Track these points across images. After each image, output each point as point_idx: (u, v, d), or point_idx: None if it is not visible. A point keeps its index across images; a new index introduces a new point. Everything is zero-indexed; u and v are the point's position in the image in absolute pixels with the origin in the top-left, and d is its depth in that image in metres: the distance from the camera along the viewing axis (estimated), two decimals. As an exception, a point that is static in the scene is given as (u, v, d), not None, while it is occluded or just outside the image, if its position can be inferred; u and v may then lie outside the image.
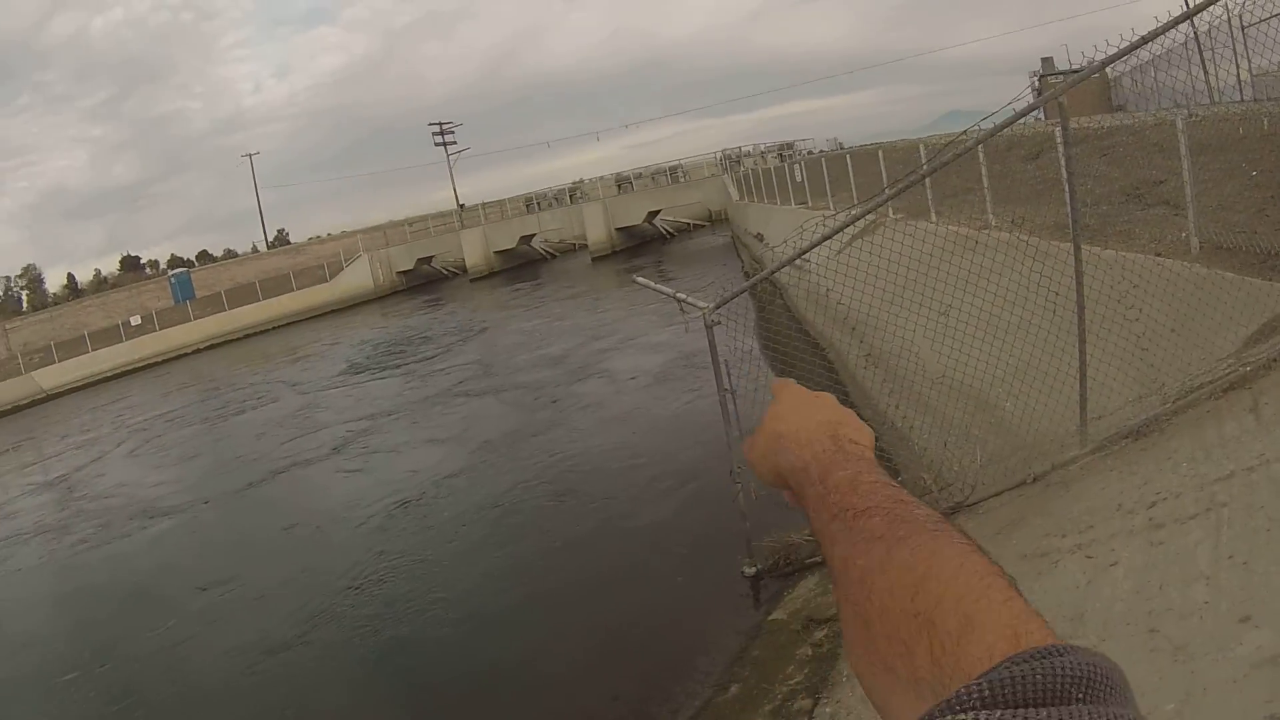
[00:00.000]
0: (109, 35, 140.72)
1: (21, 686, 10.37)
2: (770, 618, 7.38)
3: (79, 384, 46.14)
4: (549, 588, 9.39)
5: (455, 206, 66.53)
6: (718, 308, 7.43)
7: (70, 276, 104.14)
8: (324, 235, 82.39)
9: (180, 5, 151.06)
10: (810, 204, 18.98)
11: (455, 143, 68.46)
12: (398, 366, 25.62)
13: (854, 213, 7.61)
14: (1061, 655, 0.52)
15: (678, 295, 7.62)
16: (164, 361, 46.70)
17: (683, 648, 7.67)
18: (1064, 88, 6.22)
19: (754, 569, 8.00)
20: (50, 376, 47.71)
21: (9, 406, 44.65)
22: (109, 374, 46.42)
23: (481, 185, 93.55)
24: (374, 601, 10.00)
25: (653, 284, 8.39)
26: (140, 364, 47.20)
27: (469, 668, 8.21)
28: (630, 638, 8.12)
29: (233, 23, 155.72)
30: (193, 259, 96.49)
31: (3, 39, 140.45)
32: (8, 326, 65.00)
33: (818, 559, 7.51)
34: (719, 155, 51.52)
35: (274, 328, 48.95)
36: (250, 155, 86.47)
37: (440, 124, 68.28)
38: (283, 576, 11.46)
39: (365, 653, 8.96)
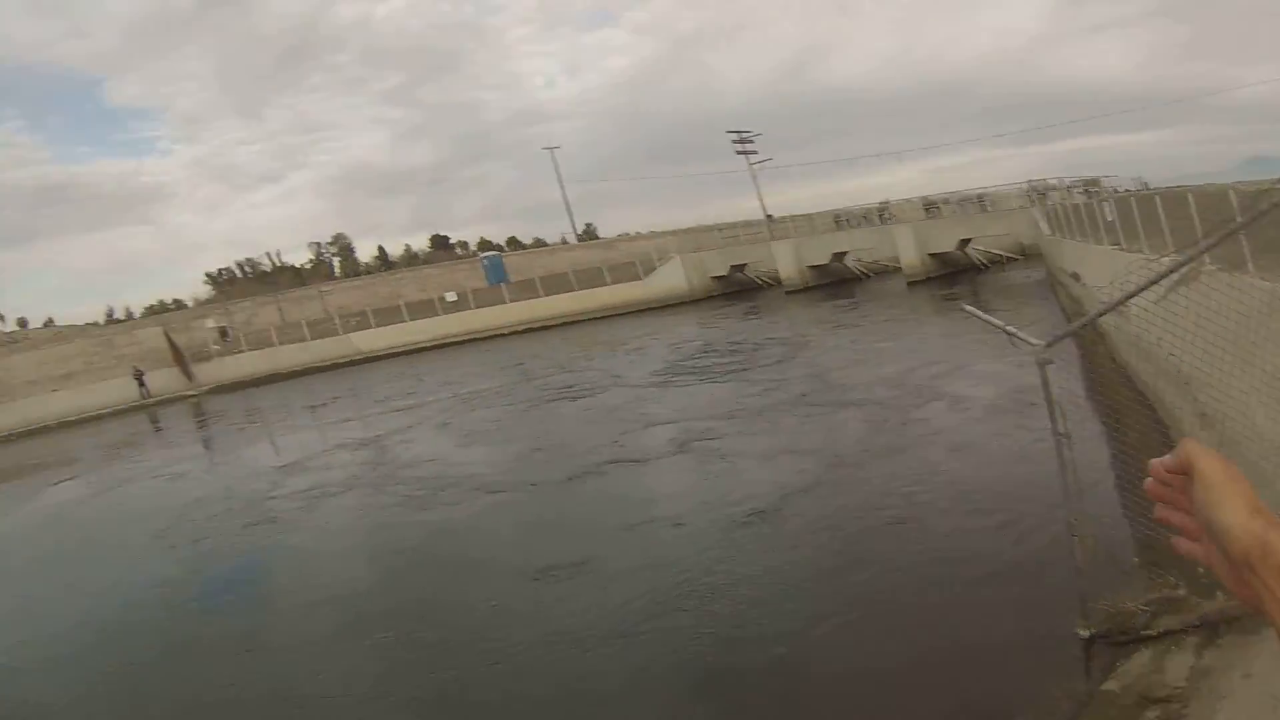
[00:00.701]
0: (393, 22, 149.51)
1: (338, 639, 10.65)
2: (1102, 687, 6.87)
3: (394, 350, 49.41)
4: (881, 610, 9.07)
5: (762, 216, 66.96)
6: (1050, 346, 7.14)
7: (381, 249, 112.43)
8: (632, 233, 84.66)
9: None
10: (1124, 245, 18.07)
11: (755, 152, 68.59)
12: (726, 371, 25.48)
13: (1177, 259, 7.09)
14: None
15: (1008, 329, 7.31)
16: (477, 339, 48.77)
17: (1006, 700, 7.22)
18: None
19: (1088, 632, 7.53)
20: (366, 340, 51.65)
21: (328, 363, 49.11)
22: (425, 344, 49.23)
23: (780, 197, 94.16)
24: (722, 602, 9.75)
25: (982, 314, 8.02)
26: (454, 339, 49.70)
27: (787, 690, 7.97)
28: (951, 677, 7.71)
29: (517, 18, 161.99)
30: (502, 244, 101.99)
31: (294, 20, 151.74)
32: (323, 289, 71.01)
33: (1154, 631, 7.15)
34: (1026, 186, 49.75)
35: (587, 319, 49.82)
36: (551, 149, 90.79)
37: (739, 132, 68.61)
38: (618, 571, 11.23)
39: (705, 650, 8.77)
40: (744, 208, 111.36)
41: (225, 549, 15.83)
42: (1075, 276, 25.14)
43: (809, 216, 57.64)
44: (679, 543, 11.89)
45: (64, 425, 45.28)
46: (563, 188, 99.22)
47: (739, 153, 68.50)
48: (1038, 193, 48.81)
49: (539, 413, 24.49)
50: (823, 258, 48.33)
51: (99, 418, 45.28)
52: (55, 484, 27.61)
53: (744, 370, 25.19)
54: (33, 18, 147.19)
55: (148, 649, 11.29)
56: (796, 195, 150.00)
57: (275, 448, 27.46)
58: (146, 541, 17.31)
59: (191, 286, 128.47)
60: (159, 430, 38.53)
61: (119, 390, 48.58)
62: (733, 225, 64.96)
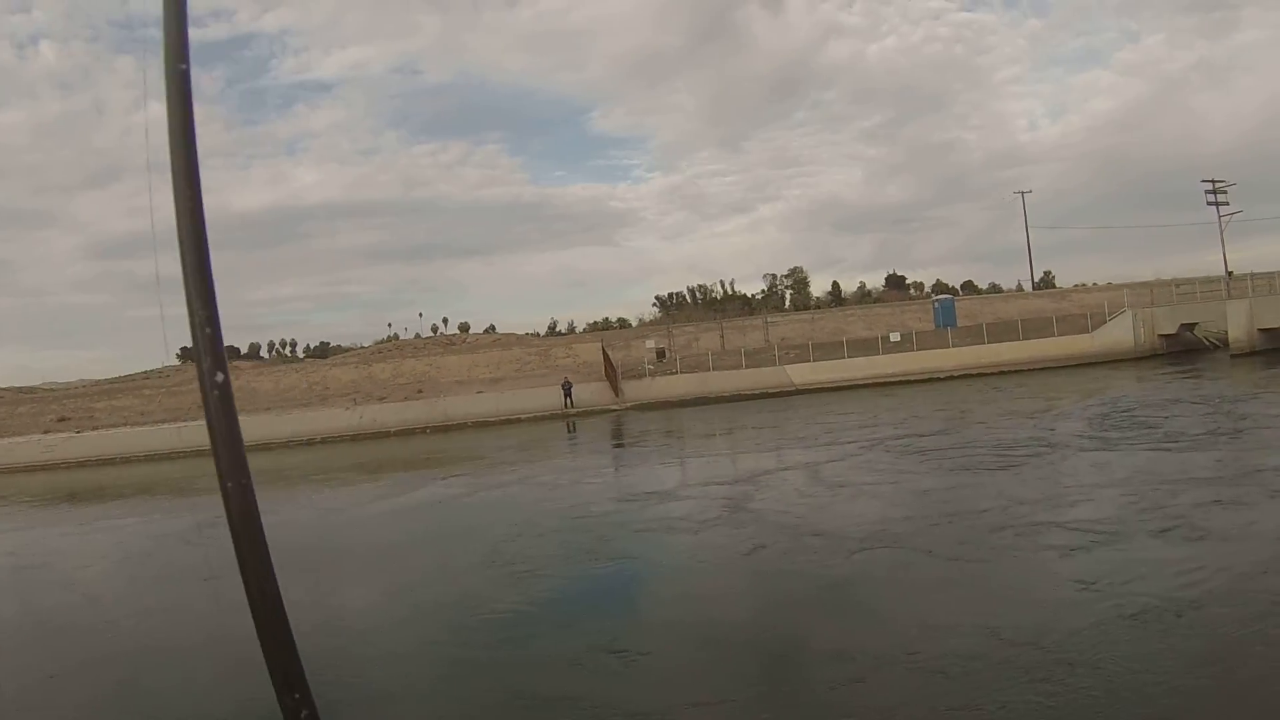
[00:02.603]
0: (884, 62, 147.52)
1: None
2: None
3: (826, 385, 47.67)
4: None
5: (1224, 272, 60.44)
6: None
7: (835, 284, 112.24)
8: (1089, 284, 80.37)
9: (952, 38, 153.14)
10: None
11: (1227, 203, 61.99)
12: (1172, 437, 21.92)
13: None
14: None
15: None
16: (911, 381, 46.45)
17: None
18: None
19: None
20: (800, 373, 50.44)
21: (757, 392, 48.32)
22: (859, 381, 47.36)
23: (1248, 253, 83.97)
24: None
25: None
26: (889, 379, 47.41)
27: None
28: None
29: (1006, 59, 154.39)
30: (957, 287, 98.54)
31: (785, 58, 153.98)
32: (769, 320, 71.47)
33: None
34: None
35: (1027, 369, 46.76)
36: (1022, 193, 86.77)
37: (1213, 181, 62.09)
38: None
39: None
40: (1205, 262, 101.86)
41: (541, 569, 15.37)
42: None
43: (1269, 275, 50.60)
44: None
45: (481, 425, 48.20)
46: (1028, 234, 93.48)
47: (1210, 204, 61.69)
48: None
49: (958, 462, 21.67)
50: (1276, 320, 42.84)
51: (517, 422, 47.65)
52: (444, 478, 29.14)
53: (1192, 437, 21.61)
54: (528, 52, 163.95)
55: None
56: (1266, 251, 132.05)
57: (663, 471, 26.87)
58: (473, 551, 17.24)
59: (639, 307, 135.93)
60: (570, 439, 39.72)
61: (544, 398, 50.78)
62: (1191, 280, 59.56)
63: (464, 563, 16.29)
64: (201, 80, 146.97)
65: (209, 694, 10.62)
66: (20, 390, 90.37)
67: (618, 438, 38.24)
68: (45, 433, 58.84)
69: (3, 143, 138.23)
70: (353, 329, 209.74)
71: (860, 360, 50.66)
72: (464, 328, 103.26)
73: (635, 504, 20.89)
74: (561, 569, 15.30)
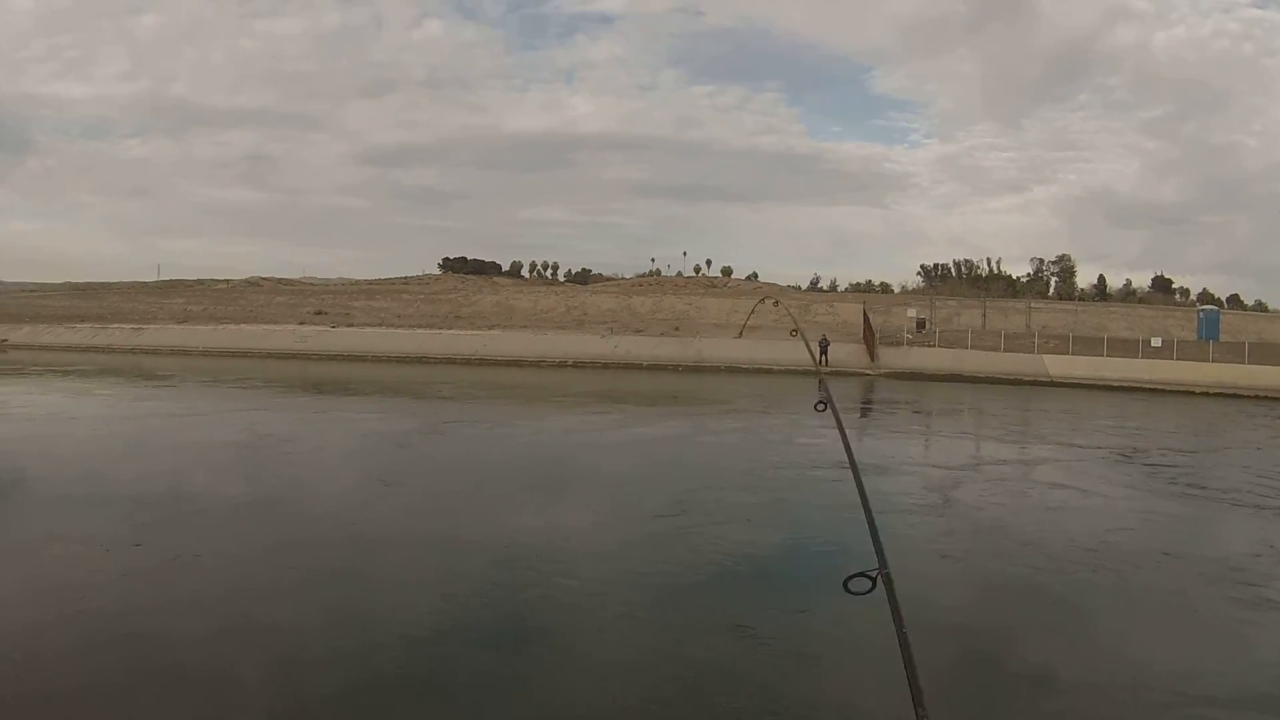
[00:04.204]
0: (1169, 52, 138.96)
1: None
2: None
3: (1081, 381, 46.45)
4: None
5: None
6: None
7: (1101, 278, 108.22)
8: None
9: (1241, 34, 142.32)
10: None
11: None
12: None
13: None
14: None
15: None
16: (1164, 391, 44.62)
17: None
18: None
19: None
20: (1058, 365, 49.37)
21: (1010, 378, 47.49)
22: (1114, 383, 46.07)
23: None
24: None
25: None
26: (1144, 384, 45.80)
27: None
28: None
29: None
30: (1223, 299, 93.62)
31: (1071, 36, 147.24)
32: (1032, 305, 70.86)
33: None
34: None
35: None
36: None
37: None
38: None
39: None
40: None
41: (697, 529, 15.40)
42: None
43: None
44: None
45: (733, 370, 49.83)
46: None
47: None
48: None
49: (1208, 490, 20.01)
50: None
51: (769, 372, 48.70)
52: (677, 418, 31.70)
53: None
54: (810, 5, 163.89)
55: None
56: None
57: (890, 442, 27.23)
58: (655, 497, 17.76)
59: (902, 274, 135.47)
60: (817, 398, 40.32)
61: (797, 351, 51.21)
62: None
63: (640, 510, 16.79)
64: (485, 2, 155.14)
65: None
66: (280, 281, 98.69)
67: (861, 402, 38.95)
68: (300, 323, 64.57)
69: (281, 50, 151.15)
70: (613, 259, 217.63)
71: (1118, 361, 49.21)
72: (726, 272, 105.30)
73: (846, 472, 20.85)
74: (719, 535, 14.79)
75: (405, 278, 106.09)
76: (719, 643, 10.17)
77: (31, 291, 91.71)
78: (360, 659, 9.58)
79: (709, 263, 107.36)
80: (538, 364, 52.07)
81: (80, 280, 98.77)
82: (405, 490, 18.54)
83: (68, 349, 57.42)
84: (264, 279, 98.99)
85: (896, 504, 17.36)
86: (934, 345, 54.24)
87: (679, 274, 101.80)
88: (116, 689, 8.91)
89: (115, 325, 64.18)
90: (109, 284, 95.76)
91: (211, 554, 13.27)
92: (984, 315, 62.53)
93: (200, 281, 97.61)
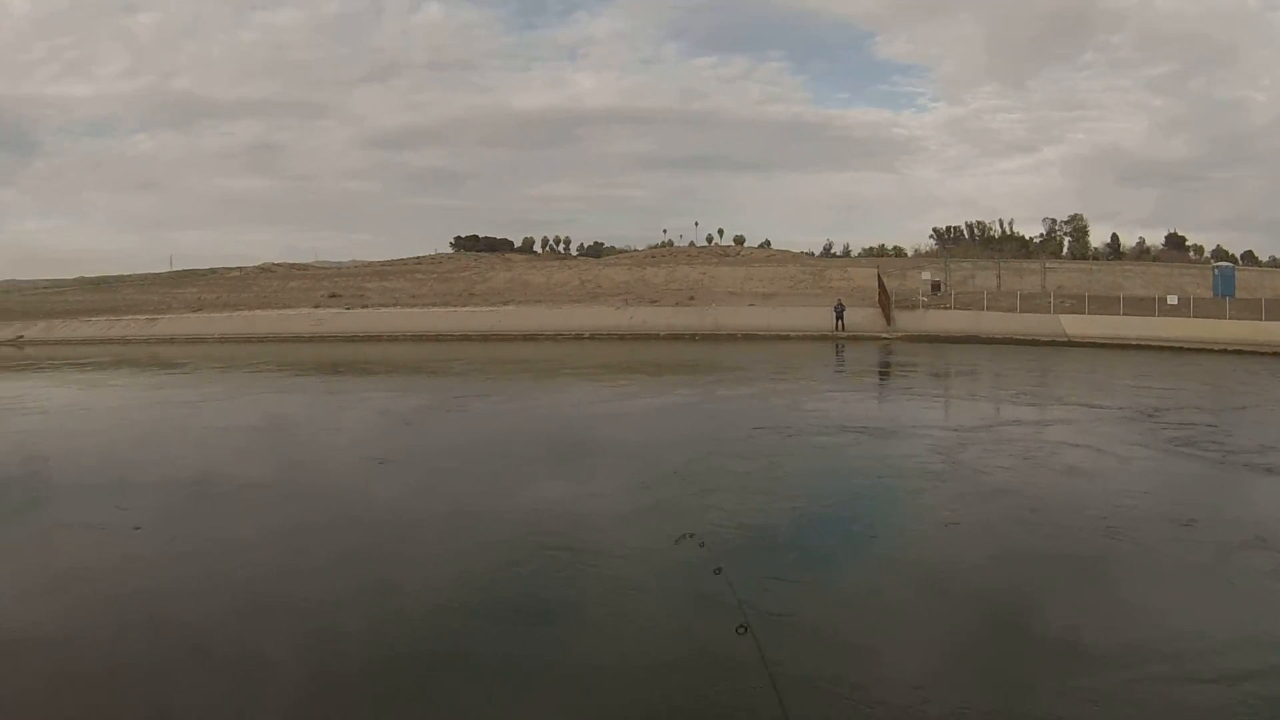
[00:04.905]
0: (1172, 7, 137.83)
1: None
2: None
3: (1098, 340, 46.16)
4: None
5: None
6: None
7: (1114, 237, 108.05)
8: None
9: None
10: None
11: None
12: None
13: None
14: None
15: None
16: (1182, 349, 43.78)
17: None
18: None
19: None
20: (1075, 324, 49.25)
21: (1028, 338, 47.46)
22: (1131, 342, 45.47)
23: None
24: None
25: None
26: (1161, 343, 45.12)
27: None
28: None
29: None
30: (1237, 256, 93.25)
31: None
32: (1047, 265, 70.70)
33: None
34: None
35: None
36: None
37: None
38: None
39: None
40: None
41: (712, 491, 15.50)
42: None
43: None
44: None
45: (750, 338, 49.80)
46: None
47: None
48: None
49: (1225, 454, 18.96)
50: None
51: (786, 338, 48.93)
52: (693, 385, 31.78)
53: None
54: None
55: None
56: None
57: (901, 405, 27.42)
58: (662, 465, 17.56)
59: (915, 238, 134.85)
60: (831, 361, 40.99)
61: (814, 318, 51.88)
62: None
63: (649, 476, 16.78)
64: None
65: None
66: (293, 266, 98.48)
67: (877, 366, 39.05)
68: (315, 307, 64.95)
69: (282, 40, 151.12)
70: (625, 232, 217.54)
71: (1135, 320, 49.03)
72: (739, 240, 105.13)
73: (849, 436, 20.43)
74: (733, 503, 14.69)
75: (418, 258, 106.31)
76: (728, 617, 9.81)
77: (45, 288, 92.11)
78: (388, 634, 9.70)
79: (721, 232, 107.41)
80: (554, 337, 52.30)
81: (93, 275, 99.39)
82: (422, 466, 18.69)
83: (84, 342, 57.64)
84: (277, 265, 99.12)
85: (904, 468, 17.29)
86: (950, 307, 54.08)
87: (691, 244, 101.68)
88: (149, 668, 9.09)
89: (130, 316, 64.67)
90: (122, 276, 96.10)
91: (234, 536, 13.39)
92: (998, 276, 62.27)
93: (213, 270, 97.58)
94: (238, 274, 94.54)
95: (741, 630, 9.26)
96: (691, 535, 8.82)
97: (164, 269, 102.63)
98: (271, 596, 10.91)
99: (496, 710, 8.19)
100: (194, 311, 66.91)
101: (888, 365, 39.29)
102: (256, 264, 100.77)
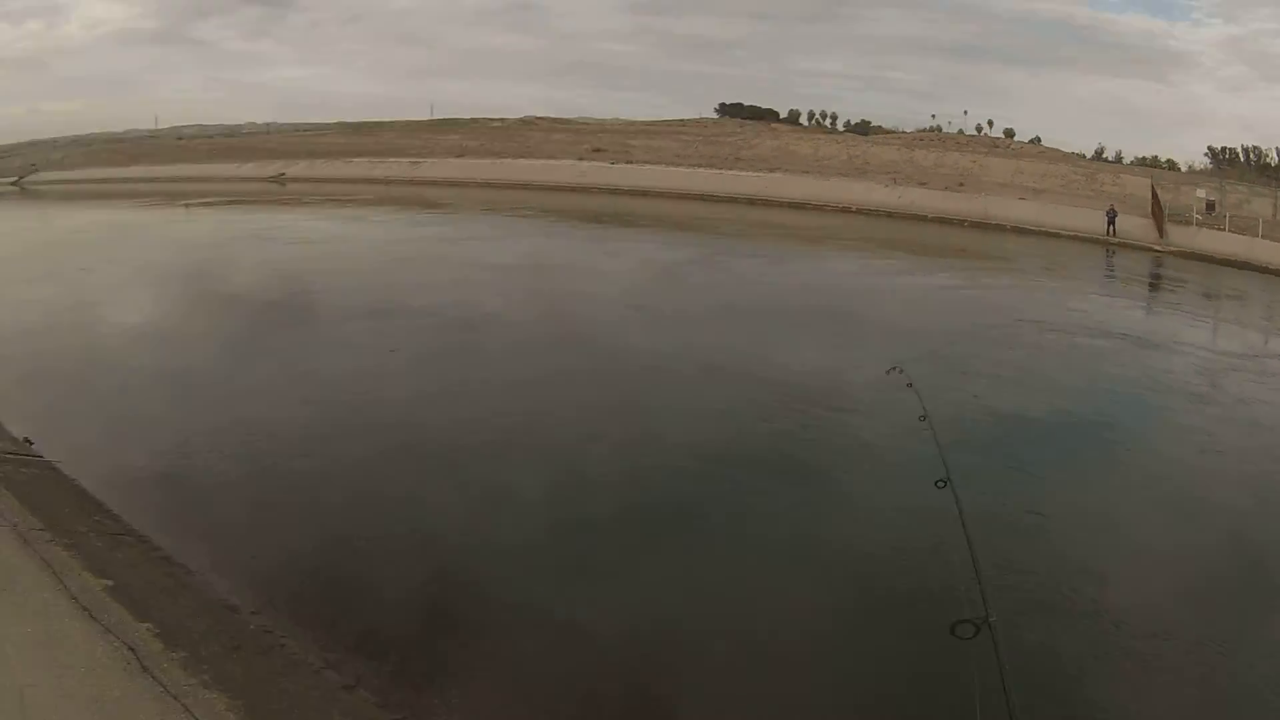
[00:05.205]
0: None
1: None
2: None
3: None
4: None
5: None
6: None
7: None
8: None
9: None
10: None
11: None
12: None
13: None
14: None
15: None
16: None
17: None
18: None
19: None
20: None
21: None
22: None
23: None
24: None
25: None
26: None
27: None
28: None
29: None
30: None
31: None
32: (1281, 190, 65.37)
33: None
34: None
35: None
36: None
37: None
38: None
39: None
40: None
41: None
42: None
43: None
44: None
45: (1019, 231, 49.21)
46: None
47: None
48: None
49: None
50: None
51: (1056, 236, 48.25)
52: (955, 269, 32.62)
53: None
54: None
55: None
56: None
57: (1164, 321, 26.64)
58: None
59: (1187, 153, 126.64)
60: (1100, 266, 40.37)
61: (1084, 219, 50.75)
62: None
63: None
64: None
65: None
66: (555, 120, 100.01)
67: (1146, 276, 38.65)
68: (579, 159, 67.16)
69: None
70: (891, 113, 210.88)
71: None
72: (1009, 134, 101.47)
73: (1111, 341, 20.40)
74: (985, 388, 15.28)
75: (683, 120, 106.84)
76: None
77: (306, 131, 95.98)
78: (641, 478, 11.40)
79: (991, 123, 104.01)
80: (820, 208, 53.46)
81: (353, 120, 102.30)
82: (681, 319, 20.52)
83: (346, 180, 61.16)
84: (539, 118, 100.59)
85: (1165, 383, 17.07)
86: (1224, 230, 51.74)
87: (960, 131, 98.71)
88: (401, 464, 11.37)
89: (392, 159, 68.05)
90: (383, 122, 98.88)
91: (485, 376, 15.42)
92: (1275, 205, 58.91)
93: (474, 120, 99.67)
94: (499, 124, 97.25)
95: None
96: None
97: (424, 116, 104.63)
98: (525, 434, 12.54)
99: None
100: (456, 157, 69.95)
101: (1157, 277, 38.63)
102: (518, 116, 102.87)
